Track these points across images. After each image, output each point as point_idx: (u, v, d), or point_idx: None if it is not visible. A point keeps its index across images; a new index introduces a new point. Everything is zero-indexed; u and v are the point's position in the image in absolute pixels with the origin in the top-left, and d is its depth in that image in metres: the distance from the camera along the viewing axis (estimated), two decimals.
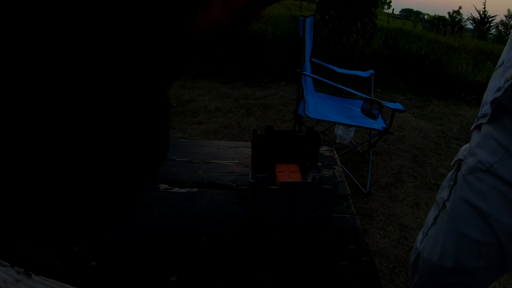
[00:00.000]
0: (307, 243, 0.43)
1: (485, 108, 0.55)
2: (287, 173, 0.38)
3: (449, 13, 21.23)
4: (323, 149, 0.64)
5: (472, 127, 0.60)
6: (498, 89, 0.50)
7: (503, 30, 14.61)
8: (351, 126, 1.90)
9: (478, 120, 0.58)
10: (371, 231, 1.64)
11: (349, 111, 2.12)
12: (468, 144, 0.61)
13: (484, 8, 14.60)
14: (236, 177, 0.44)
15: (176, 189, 0.41)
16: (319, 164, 0.51)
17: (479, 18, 14.73)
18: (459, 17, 19.87)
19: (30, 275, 0.29)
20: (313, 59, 2.31)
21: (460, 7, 20.79)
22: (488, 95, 0.54)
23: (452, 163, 0.61)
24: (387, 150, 2.48)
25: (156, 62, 0.15)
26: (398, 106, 1.74)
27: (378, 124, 1.87)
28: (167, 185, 0.42)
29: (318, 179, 0.31)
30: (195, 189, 0.41)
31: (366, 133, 2.68)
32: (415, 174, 2.17)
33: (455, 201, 0.57)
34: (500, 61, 0.56)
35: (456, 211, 0.57)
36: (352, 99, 2.32)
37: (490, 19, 14.58)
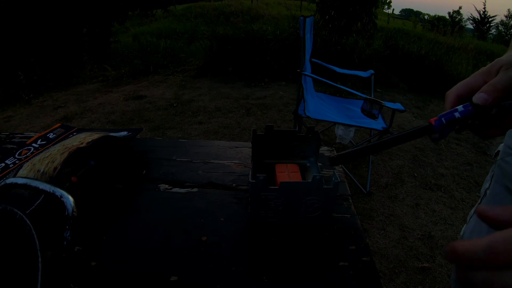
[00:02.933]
0: (307, 243, 0.43)
1: None
2: (287, 173, 0.37)
3: (449, 13, 21.22)
4: (323, 149, 0.64)
5: None
6: None
7: (503, 30, 14.60)
8: (351, 126, 1.90)
9: None
10: (371, 231, 1.64)
11: (349, 111, 2.12)
12: None
13: (484, 8, 14.60)
14: (236, 177, 0.44)
15: (176, 189, 0.41)
16: (319, 164, 0.51)
17: (479, 18, 14.72)
18: (459, 17, 19.86)
19: None
20: (313, 59, 2.31)
21: (460, 7, 20.77)
22: None
23: (493, 158, 0.66)
24: (387, 150, 2.48)
25: None
26: (398, 106, 1.74)
27: (378, 124, 1.87)
28: (167, 185, 0.42)
29: (318, 179, 0.31)
30: (195, 189, 0.41)
31: (366, 133, 2.68)
32: (415, 174, 2.17)
33: (493, 186, 0.61)
34: None
35: (492, 195, 0.61)
36: (352, 99, 2.32)
37: (490, 19, 14.57)
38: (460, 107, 0.35)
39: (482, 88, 0.36)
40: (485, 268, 0.21)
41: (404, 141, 0.34)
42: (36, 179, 0.30)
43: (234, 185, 0.42)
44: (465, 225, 0.71)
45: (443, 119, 0.34)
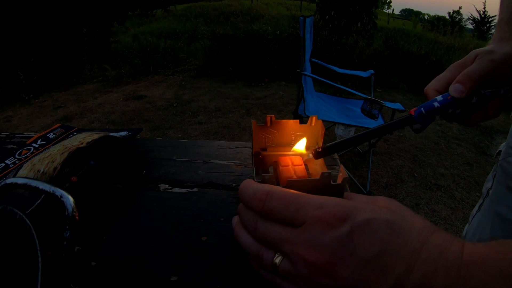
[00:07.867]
0: None
1: None
2: (291, 167, 0.37)
3: (449, 13, 21.23)
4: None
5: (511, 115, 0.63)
6: None
7: None
8: (351, 126, 1.90)
9: None
10: None
11: (349, 111, 2.12)
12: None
13: (484, 8, 14.60)
14: (236, 177, 0.44)
15: (176, 189, 0.41)
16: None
17: (479, 18, 14.72)
18: (459, 17, 19.85)
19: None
20: (313, 59, 2.31)
21: (460, 7, 20.79)
22: None
23: (494, 157, 0.65)
24: (387, 150, 2.48)
25: None
26: (398, 106, 1.74)
27: (378, 124, 1.86)
28: (167, 185, 0.42)
29: (327, 176, 0.31)
30: (195, 189, 0.41)
31: None
32: (415, 174, 2.17)
33: (495, 186, 0.61)
34: None
35: (495, 195, 0.60)
36: (352, 99, 2.32)
37: (490, 19, 14.57)
38: (439, 97, 0.36)
39: (457, 78, 0.36)
40: (248, 207, 0.25)
41: (385, 133, 0.35)
42: (36, 179, 0.30)
43: (234, 185, 0.42)
44: (468, 224, 0.71)
45: (422, 109, 0.35)
